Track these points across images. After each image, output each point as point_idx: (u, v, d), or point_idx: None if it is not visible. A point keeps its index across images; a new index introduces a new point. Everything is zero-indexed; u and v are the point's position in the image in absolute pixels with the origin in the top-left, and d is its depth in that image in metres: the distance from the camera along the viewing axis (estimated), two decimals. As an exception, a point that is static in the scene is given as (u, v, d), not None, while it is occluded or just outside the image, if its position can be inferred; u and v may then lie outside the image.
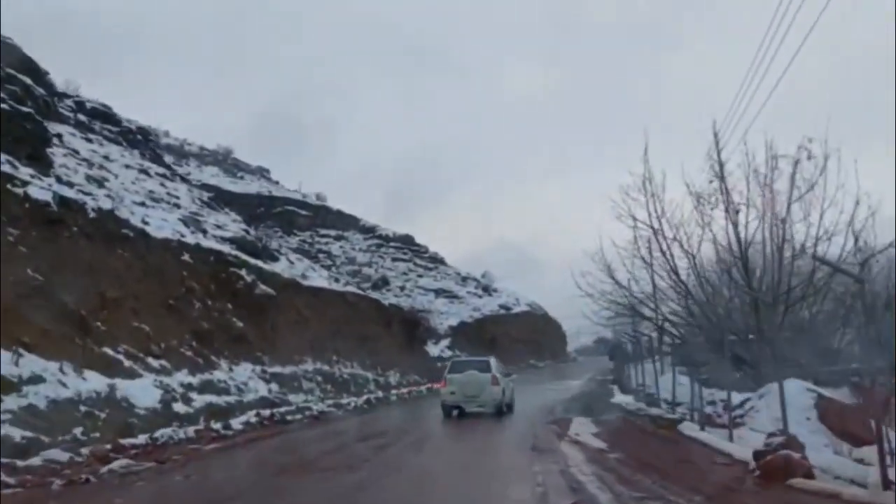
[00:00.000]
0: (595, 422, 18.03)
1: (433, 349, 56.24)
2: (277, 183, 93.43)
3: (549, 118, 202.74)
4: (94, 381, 16.55)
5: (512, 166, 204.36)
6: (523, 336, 72.68)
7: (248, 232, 37.99)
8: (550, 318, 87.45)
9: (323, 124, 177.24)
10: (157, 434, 14.59)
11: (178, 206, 33.54)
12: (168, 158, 76.60)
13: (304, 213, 79.93)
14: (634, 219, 21.04)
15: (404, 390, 35.43)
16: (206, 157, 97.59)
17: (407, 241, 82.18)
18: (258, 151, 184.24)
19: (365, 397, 29.48)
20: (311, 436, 17.43)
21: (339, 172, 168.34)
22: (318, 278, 38.53)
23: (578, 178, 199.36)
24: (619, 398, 26.30)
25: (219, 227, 35.10)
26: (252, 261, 30.58)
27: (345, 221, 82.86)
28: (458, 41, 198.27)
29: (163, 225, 27.50)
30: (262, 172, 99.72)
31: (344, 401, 27.35)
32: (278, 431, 18.33)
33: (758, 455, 8.67)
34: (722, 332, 20.06)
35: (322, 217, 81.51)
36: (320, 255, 70.59)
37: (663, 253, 20.88)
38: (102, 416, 15.46)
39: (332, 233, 79.75)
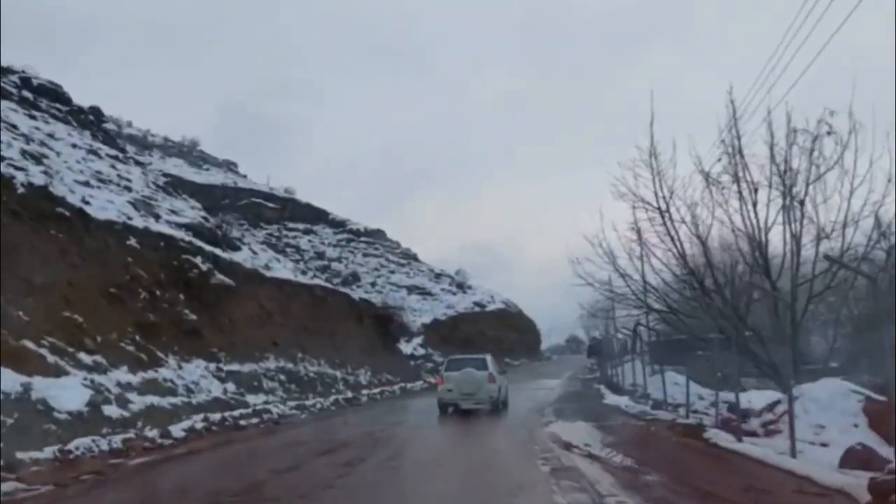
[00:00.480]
0: (600, 428, 15.48)
1: (406, 347, 53.65)
2: (245, 177, 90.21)
3: (527, 120, 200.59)
4: (4, 380, 13.74)
5: (489, 167, 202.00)
6: (498, 334, 70.15)
7: (206, 219, 35.03)
8: (525, 316, 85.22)
9: (295, 120, 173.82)
10: (71, 445, 11.76)
11: (129, 188, 30.55)
12: (129, 149, 73.67)
13: (271, 205, 76.78)
14: (641, 199, 18.49)
15: (376, 390, 32.75)
16: (170, 148, 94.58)
17: (378, 236, 79.37)
18: (227, 147, 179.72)
19: (332, 398, 26.83)
20: (265, 446, 14.64)
21: (312, 170, 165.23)
22: (283, 270, 35.72)
23: (556, 181, 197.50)
24: (613, 399, 23.93)
25: (174, 212, 32.19)
26: (208, 248, 27.73)
27: (314, 215, 79.75)
28: (435, 41, 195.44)
29: (107, 206, 24.64)
30: (229, 166, 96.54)
31: (309, 402, 24.67)
32: (227, 440, 15.50)
33: (882, 488, 6.18)
34: (736, 327, 17.73)
35: (290, 210, 78.39)
36: (288, 249, 67.59)
37: (672, 237, 18.39)
38: (9, 422, 12.66)
39: (301, 226, 76.66)
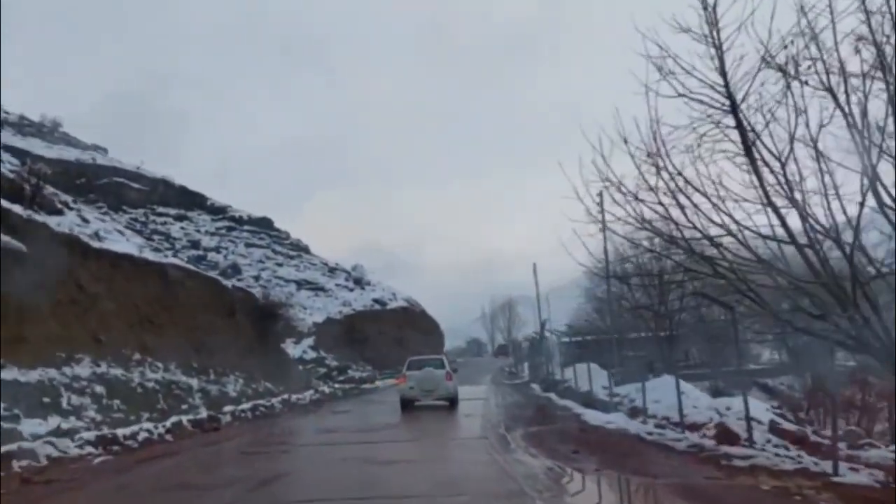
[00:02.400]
0: (682, 494, 7.78)
1: (293, 350, 45.01)
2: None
3: (429, 127, 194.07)
4: None
5: (391, 171, 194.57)
6: (400, 335, 62.28)
7: (19, 174, 25.59)
8: (429, 316, 77.89)
9: (184, 113, 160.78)
10: None
11: None
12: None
13: (137, 186, 66.24)
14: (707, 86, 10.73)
15: (247, 405, 23.96)
16: (26, 126, 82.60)
17: (264, 225, 70.11)
18: (110, 137, 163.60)
19: (175, 419, 18.19)
20: None
21: (201, 163, 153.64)
22: (124, 242, 26.67)
23: (457, 186, 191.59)
24: (600, 417, 16.40)
25: (-43, 155, 22.85)
26: (-11, 197, 18.61)
27: (189, 200, 69.69)
28: (338, 43, 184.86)
29: None
30: (97, 149, 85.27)
31: (127, 430, 15.89)
32: None
33: None
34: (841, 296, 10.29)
35: (161, 193, 68.10)
36: (156, 237, 57.68)
37: (748, 152, 10.74)
38: None
39: (173, 212, 66.51)
